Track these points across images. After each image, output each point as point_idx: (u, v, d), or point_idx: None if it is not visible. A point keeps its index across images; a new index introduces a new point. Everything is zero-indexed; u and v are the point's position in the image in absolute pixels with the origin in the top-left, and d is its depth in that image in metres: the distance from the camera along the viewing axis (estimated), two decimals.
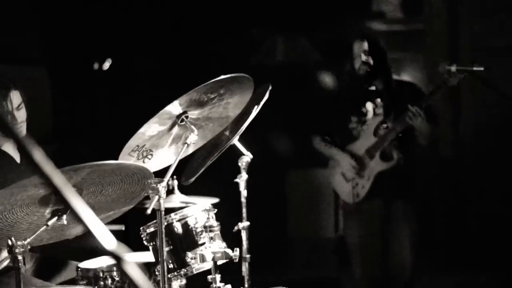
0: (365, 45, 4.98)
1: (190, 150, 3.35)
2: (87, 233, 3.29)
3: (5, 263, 2.98)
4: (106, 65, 6.97)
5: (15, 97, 3.79)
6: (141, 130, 3.20)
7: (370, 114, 5.01)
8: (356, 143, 5.04)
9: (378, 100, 5.01)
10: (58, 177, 1.26)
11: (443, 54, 7.08)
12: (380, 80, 5.00)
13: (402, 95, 5.00)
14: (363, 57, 4.96)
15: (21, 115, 3.81)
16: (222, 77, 3.24)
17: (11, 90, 3.78)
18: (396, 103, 4.98)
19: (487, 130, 7.23)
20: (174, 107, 3.23)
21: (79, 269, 3.75)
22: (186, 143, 3.25)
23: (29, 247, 2.92)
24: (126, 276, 1.21)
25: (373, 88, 5.02)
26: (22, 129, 3.82)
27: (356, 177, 5.00)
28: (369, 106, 5.01)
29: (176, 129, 3.35)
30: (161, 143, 3.37)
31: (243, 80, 3.34)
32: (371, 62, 4.96)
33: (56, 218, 2.98)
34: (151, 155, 3.36)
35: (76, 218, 1.29)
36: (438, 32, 7.25)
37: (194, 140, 3.29)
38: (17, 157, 3.88)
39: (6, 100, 3.75)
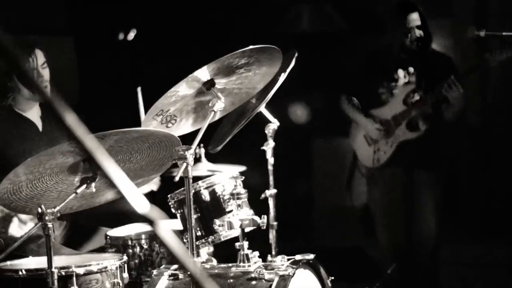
0: (416, 17, 4.91)
1: (215, 117, 3.34)
2: (117, 199, 3.34)
3: (34, 231, 3.00)
4: (131, 35, 6.96)
5: (40, 55, 3.81)
6: (168, 93, 3.19)
7: (401, 81, 4.96)
8: (384, 108, 5.01)
9: (411, 68, 4.96)
10: (89, 140, 1.26)
11: (471, 20, 6.99)
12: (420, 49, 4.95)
13: (436, 66, 4.95)
14: (417, 32, 4.89)
15: (46, 74, 3.83)
16: (251, 47, 3.22)
17: (35, 48, 3.80)
18: (429, 73, 4.93)
19: None
20: (203, 73, 3.22)
21: (108, 237, 3.79)
22: (213, 110, 3.24)
23: (58, 214, 2.94)
24: (159, 240, 1.21)
25: (406, 56, 4.96)
26: (47, 89, 3.82)
27: (379, 141, 4.97)
28: (400, 73, 4.96)
29: (201, 96, 3.34)
30: (185, 109, 3.36)
31: (273, 51, 3.32)
32: (423, 34, 4.91)
33: (85, 185, 3.00)
34: (175, 120, 3.36)
35: (108, 182, 1.29)
36: None
37: (221, 108, 3.28)
38: (39, 125, 3.89)
39: (32, 56, 3.76)
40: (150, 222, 1.30)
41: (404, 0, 5.09)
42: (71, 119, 1.30)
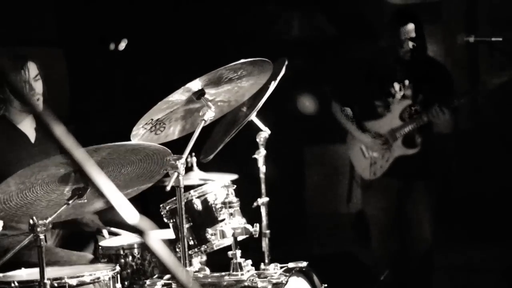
0: (411, 29, 4.83)
1: (201, 126, 3.33)
2: (107, 209, 3.34)
3: (25, 242, 3.00)
4: (122, 45, 6.97)
5: (32, 68, 3.80)
6: (159, 104, 3.21)
7: (397, 96, 4.93)
8: (380, 121, 4.99)
9: (406, 81, 4.93)
10: (78, 152, 1.27)
11: (461, 26, 7.02)
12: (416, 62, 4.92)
13: (432, 77, 4.92)
14: (410, 44, 4.82)
15: (38, 87, 3.82)
16: (243, 61, 3.24)
17: (28, 60, 3.80)
18: (425, 86, 4.90)
19: (505, 101, 7.17)
20: (194, 83, 3.23)
21: (100, 247, 3.78)
22: (203, 119, 3.24)
23: (50, 226, 2.94)
24: (149, 250, 1.21)
25: (401, 68, 4.93)
26: (40, 102, 3.83)
27: (376, 154, 4.97)
28: (396, 86, 4.93)
29: (191, 104, 3.35)
30: (174, 116, 3.37)
31: (263, 64, 3.34)
32: (418, 46, 4.85)
33: (76, 197, 3.00)
34: (163, 127, 3.37)
35: (98, 193, 1.29)
36: (455, 3, 7.18)
37: (212, 117, 3.29)
38: (32, 137, 3.89)
39: (24, 69, 3.76)
40: (140, 232, 1.31)
41: (402, 10, 5.06)
42: (61, 131, 1.31)
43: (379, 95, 4.97)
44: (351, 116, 5.09)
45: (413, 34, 4.84)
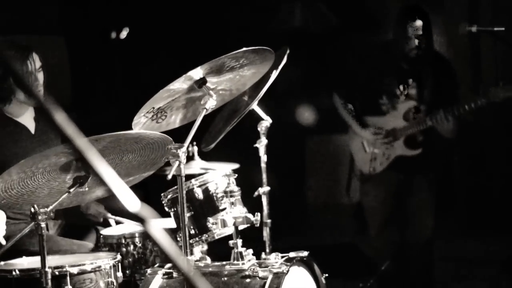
0: (419, 26, 4.75)
1: (203, 114, 3.32)
2: (110, 197, 3.35)
3: (27, 231, 3.01)
4: (124, 34, 6.96)
5: (36, 59, 3.84)
6: (160, 93, 3.20)
7: (402, 95, 4.89)
8: (383, 118, 4.95)
9: (410, 80, 4.89)
10: (80, 140, 1.26)
11: (463, 16, 6.99)
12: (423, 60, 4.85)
13: (438, 76, 4.86)
14: (416, 41, 4.75)
15: (41, 78, 3.85)
16: (245, 49, 3.23)
17: (32, 51, 3.82)
18: (431, 85, 4.86)
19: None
20: (195, 71, 3.23)
21: (102, 236, 3.79)
22: (205, 108, 3.24)
23: (51, 214, 2.95)
24: (151, 239, 1.21)
25: (406, 66, 4.90)
26: (41, 93, 3.84)
27: (376, 150, 4.95)
28: (400, 86, 4.89)
29: (192, 93, 3.35)
30: (175, 104, 3.37)
31: (265, 52, 3.33)
32: (424, 44, 4.77)
33: (78, 185, 3.00)
34: (165, 116, 3.36)
35: (99, 181, 1.29)
36: None
37: (213, 105, 3.28)
38: (32, 128, 3.90)
39: (30, 60, 3.79)
40: (141, 220, 1.31)
41: (411, 6, 4.99)
42: (63, 120, 1.30)
43: (383, 92, 4.92)
44: (353, 111, 5.06)
45: (420, 32, 4.76)
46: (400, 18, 4.85)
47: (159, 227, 1.34)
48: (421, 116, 4.85)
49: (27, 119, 3.89)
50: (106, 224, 4.00)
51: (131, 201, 1.30)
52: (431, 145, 4.96)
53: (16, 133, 3.83)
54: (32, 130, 3.89)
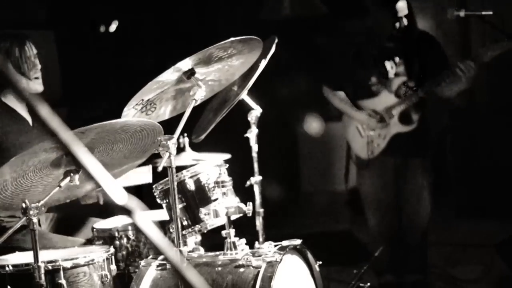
0: (404, 6, 4.82)
1: (192, 105, 3.32)
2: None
3: (18, 225, 3.00)
4: (113, 27, 6.94)
5: (32, 46, 3.89)
6: (148, 85, 3.20)
7: (390, 73, 4.92)
8: (375, 99, 4.97)
9: (397, 58, 4.92)
10: (66, 134, 1.26)
11: (452, 0, 6.99)
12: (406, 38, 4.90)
13: (425, 52, 4.90)
14: (405, 21, 4.81)
15: (38, 64, 3.88)
16: (232, 39, 3.22)
17: (29, 38, 3.89)
18: (418, 61, 4.89)
19: (497, 77, 7.18)
20: (184, 62, 3.22)
21: (95, 229, 3.79)
22: (194, 99, 3.23)
23: (43, 208, 2.94)
24: (139, 230, 1.21)
25: (391, 45, 4.92)
26: (40, 80, 3.89)
27: (372, 132, 4.96)
28: (388, 65, 4.92)
29: (181, 84, 3.34)
30: (165, 96, 3.37)
31: (253, 42, 3.32)
32: (409, 23, 4.84)
33: (68, 178, 3.00)
34: (154, 108, 3.36)
35: (86, 174, 1.29)
36: None
37: (202, 96, 3.28)
38: (30, 120, 3.90)
39: (27, 45, 3.85)
40: (128, 212, 1.31)
41: None
42: (47, 114, 1.30)
43: (372, 74, 4.96)
44: (344, 98, 5.08)
45: (406, 11, 4.83)
46: (383, 4, 4.89)
47: (147, 219, 1.34)
48: (411, 90, 4.88)
49: (24, 111, 3.90)
50: (101, 216, 3.99)
51: (118, 194, 1.30)
52: (426, 126, 4.98)
53: (17, 123, 3.84)
54: (30, 122, 3.89)
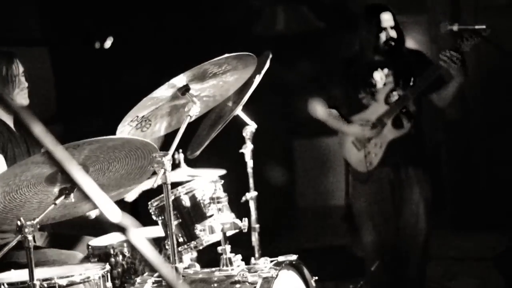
0: (389, 18, 4.88)
1: (187, 121, 3.31)
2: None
3: (13, 243, 2.99)
4: (108, 43, 6.95)
5: (19, 64, 3.91)
6: (144, 101, 3.20)
7: (379, 84, 4.95)
8: (366, 111, 4.98)
9: (385, 70, 4.95)
10: (59, 151, 1.26)
11: (445, 15, 7.02)
12: (394, 51, 4.94)
13: (411, 63, 4.95)
14: (391, 32, 4.86)
15: (24, 82, 3.91)
16: (227, 55, 3.23)
17: (16, 56, 3.91)
18: (406, 71, 4.93)
19: (491, 90, 7.21)
20: (178, 79, 3.22)
21: (90, 247, 3.77)
22: (189, 115, 3.23)
23: (38, 226, 2.92)
24: (133, 247, 1.20)
25: (380, 58, 4.95)
26: (26, 96, 3.91)
27: (368, 144, 4.96)
28: (376, 75, 4.94)
29: (176, 100, 3.34)
30: (160, 112, 3.37)
31: (247, 58, 3.33)
32: (395, 35, 4.88)
33: (63, 196, 2.99)
34: (149, 124, 3.36)
35: (80, 192, 1.28)
36: None
37: (197, 112, 3.28)
38: (11, 124, 3.91)
39: (15, 63, 3.88)
40: (122, 230, 1.30)
41: (374, 3, 5.09)
42: (40, 131, 1.30)
43: (361, 87, 4.98)
44: (337, 116, 5.09)
45: (392, 23, 4.88)
46: (369, 15, 4.94)
47: (141, 236, 1.33)
48: (399, 96, 4.90)
49: (5, 115, 3.91)
50: (96, 233, 3.97)
51: (112, 211, 1.30)
52: (421, 137, 5.00)
53: (11, 137, 3.84)
54: (12, 126, 3.90)
